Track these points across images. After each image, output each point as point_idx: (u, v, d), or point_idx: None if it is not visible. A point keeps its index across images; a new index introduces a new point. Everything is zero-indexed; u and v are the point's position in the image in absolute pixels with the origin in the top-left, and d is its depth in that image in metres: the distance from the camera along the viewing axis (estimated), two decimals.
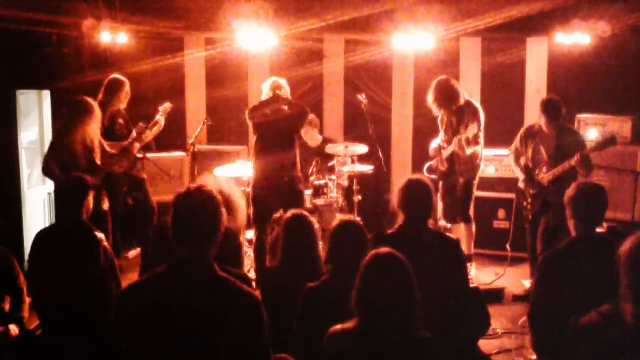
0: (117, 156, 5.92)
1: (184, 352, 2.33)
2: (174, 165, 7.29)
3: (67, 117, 5.68)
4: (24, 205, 6.31)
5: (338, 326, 2.69)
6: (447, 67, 7.31)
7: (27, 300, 4.44)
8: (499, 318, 5.28)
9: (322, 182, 6.51)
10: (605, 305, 2.86)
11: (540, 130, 5.68)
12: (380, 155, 6.20)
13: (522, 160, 5.88)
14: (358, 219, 3.92)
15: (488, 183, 6.88)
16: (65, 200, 4.24)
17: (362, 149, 6.46)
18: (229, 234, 2.99)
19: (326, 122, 7.95)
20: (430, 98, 6.16)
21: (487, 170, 6.82)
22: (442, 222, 6.54)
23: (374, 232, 4.00)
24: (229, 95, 7.92)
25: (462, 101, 6.10)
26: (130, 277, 5.55)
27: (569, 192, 3.58)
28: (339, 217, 4.56)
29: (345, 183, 6.66)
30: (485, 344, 4.65)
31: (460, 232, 6.24)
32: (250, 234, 6.24)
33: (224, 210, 2.49)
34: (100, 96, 6.12)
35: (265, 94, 5.79)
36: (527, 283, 5.93)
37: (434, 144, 6.45)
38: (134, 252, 6.85)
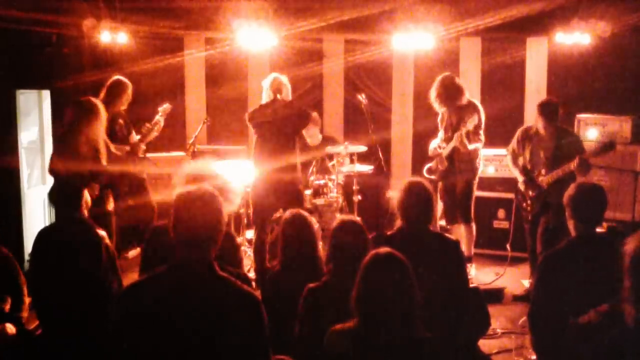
0: (125, 157, 5.98)
1: (185, 352, 2.33)
2: (174, 165, 7.29)
3: (73, 118, 5.69)
4: (24, 205, 6.31)
5: (338, 326, 2.69)
6: (447, 67, 7.30)
7: (27, 300, 4.44)
8: (499, 318, 5.28)
9: (322, 182, 6.51)
10: (604, 305, 2.87)
11: (538, 133, 5.66)
12: (380, 155, 6.20)
13: (520, 161, 5.86)
14: (358, 219, 3.92)
15: (488, 183, 6.88)
16: (63, 199, 4.25)
17: (362, 149, 6.46)
18: (227, 235, 2.99)
19: (326, 122, 7.95)
20: (433, 94, 6.13)
21: (487, 170, 6.82)
22: (441, 223, 6.54)
23: (374, 232, 4.00)
24: (229, 95, 7.92)
25: (465, 101, 6.08)
26: (130, 277, 5.55)
27: (569, 192, 3.59)
28: (339, 217, 4.57)
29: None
30: (485, 344, 4.65)
31: (460, 233, 6.23)
32: (250, 234, 6.25)
33: (225, 210, 2.49)
34: (102, 96, 6.12)
35: (266, 91, 5.77)
36: (527, 283, 5.93)
37: (433, 144, 6.43)
38: (134, 252, 6.85)
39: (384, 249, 2.71)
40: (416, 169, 7.37)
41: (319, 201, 6.43)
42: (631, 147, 6.80)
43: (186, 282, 2.38)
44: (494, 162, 6.95)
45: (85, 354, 3.83)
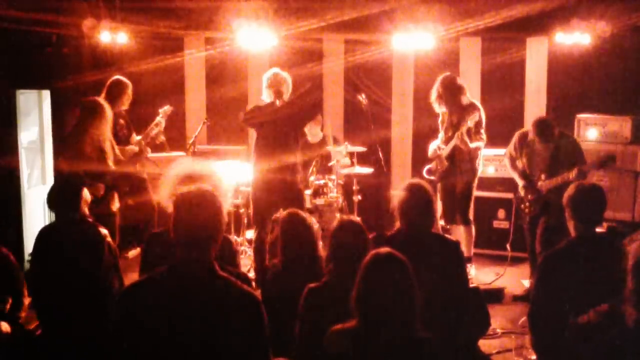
0: (133, 157, 6.07)
1: (185, 352, 2.33)
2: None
3: (78, 118, 5.71)
4: (24, 205, 6.31)
5: (338, 326, 2.69)
6: (447, 67, 7.29)
7: (27, 300, 4.44)
8: (499, 318, 5.27)
9: (322, 182, 6.51)
10: (604, 305, 2.87)
11: (534, 142, 5.64)
12: (380, 155, 6.20)
13: (519, 164, 5.85)
14: (358, 219, 3.92)
15: (488, 183, 6.88)
16: (63, 200, 4.25)
17: (362, 149, 6.46)
18: (225, 240, 2.97)
19: (326, 122, 7.95)
20: (433, 95, 6.12)
21: (487, 170, 6.81)
22: (441, 223, 6.53)
23: (374, 232, 4.00)
24: (229, 95, 7.91)
25: (465, 101, 6.08)
26: (130, 277, 5.55)
27: (568, 192, 3.59)
28: (339, 217, 4.57)
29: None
30: (485, 344, 4.65)
31: (460, 234, 6.23)
32: (250, 234, 6.24)
33: (225, 210, 2.49)
34: (102, 96, 6.13)
35: (266, 89, 5.74)
36: (527, 283, 5.93)
37: (433, 145, 6.41)
38: (134, 252, 6.85)
39: (384, 249, 2.71)
40: (416, 169, 7.36)
41: (319, 201, 6.43)
42: (631, 147, 6.79)
43: (186, 282, 2.38)
44: (494, 162, 6.94)
45: (85, 354, 3.84)
